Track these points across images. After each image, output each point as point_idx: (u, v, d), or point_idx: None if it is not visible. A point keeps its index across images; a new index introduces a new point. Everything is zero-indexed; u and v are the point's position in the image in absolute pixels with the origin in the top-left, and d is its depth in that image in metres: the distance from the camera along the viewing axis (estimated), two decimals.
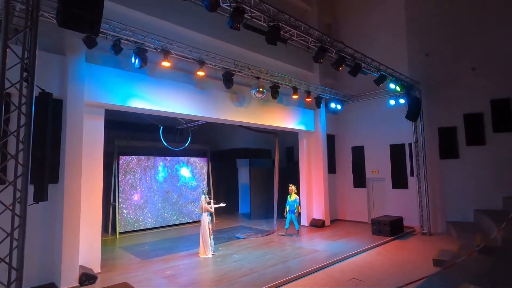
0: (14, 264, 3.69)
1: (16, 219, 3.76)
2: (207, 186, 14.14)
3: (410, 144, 11.86)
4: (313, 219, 12.76)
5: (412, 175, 11.83)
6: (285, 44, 7.34)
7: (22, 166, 3.80)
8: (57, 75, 6.65)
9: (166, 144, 11.96)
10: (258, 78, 9.83)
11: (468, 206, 10.56)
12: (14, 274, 3.67)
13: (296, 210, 10.51)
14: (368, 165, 13.37)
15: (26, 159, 3.79)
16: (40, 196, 4.81)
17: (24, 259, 3.71)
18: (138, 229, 11.94)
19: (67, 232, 6.35)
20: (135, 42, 7.15)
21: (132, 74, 7.83)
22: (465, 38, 10.95)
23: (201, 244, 8.48)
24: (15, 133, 4.00)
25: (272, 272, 6.95)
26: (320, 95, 12.03)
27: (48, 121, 4.85)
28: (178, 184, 13.38)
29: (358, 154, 13.70)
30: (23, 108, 3.96)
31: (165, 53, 7.59)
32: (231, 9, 5.89)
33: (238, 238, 10.58)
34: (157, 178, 12.74)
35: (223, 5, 5.87)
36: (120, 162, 11.77)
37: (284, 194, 11.05)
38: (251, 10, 6.16)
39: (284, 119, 11.83)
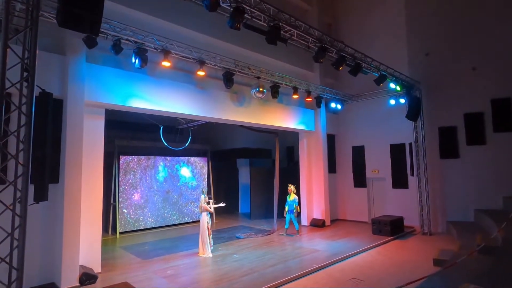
0: (14, 264, 3.69)
1: (17, 219, 3.76)
2: (207, 186, 14.16)
3: (410, 144, 11.86)
4: (314, 219, 12.76)
5: (412, 174, 11.83)
6: (285, 44, 7.33)
7: (23, 166, 3.80)
8: (57, 75, 6.65)
9: (166, 144, 11.96)
10: (258, 78, 9.83)
11: (469, 206, 10.56)
12: (14, 273, 3.67)
13: (295, 210, 10.52)
14: (368, 165, 13.37)
15: (27, 159, 3.80)
16: (41, 196, 4.81)
17: (25, 259, 3.72)
18: (139, 229, 11.95)
19: (67, 232, 6.35)
20: (135, 42, 7.15)
21: (132, 74, 7.83)
22: (465, 37, 10.94)
23: (200, 244, 8.51)
24: (16, 133, 4.00)
25: (273, 272, 6.95)
26: (321, 95, 12.03)
27: (48, 121, 4.85)
28: (178, 184, 13.38)
29: (358, 153, 13.70)
30: (24, 108, 3.96)
31: (165, 53, 7.59)
32: (231, 9, 5.89)
33: (238, 237, 10.58)
34: (157, 178, 12.75)
35: (223, 5, 5.87)
36: (120, 162, 11.77)
37: (284, 194, 11.05)
38: (251, 9, 6.16)
39: (284, 119, 11.83)
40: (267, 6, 6.36)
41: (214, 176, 14.80)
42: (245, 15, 6.04)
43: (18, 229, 3.73)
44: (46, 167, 4.81)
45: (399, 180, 12.36)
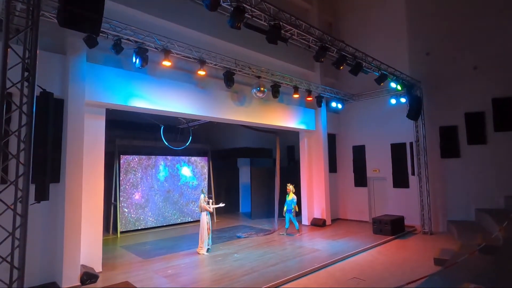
0: (15, 263, 3.70)
1: (18, 219, 3.77)
2: (208, 185, 14.18)
3: (411, 143, 11.85)
4: (314, 218, 12.76)
5: (413, 174, 11.82)
6: (286, 43, 7.33)
7: (24, 165, 3.81)
8: (58, 74, 6.66)
9: (167, 144, 11.97)
10: (259, 77, 9.83)
11: (469, 205, 10.55)
12: (15, 273, 3.68)
13: (293, 210, 10.53)
14: (369, 164, 13.36)
15: (28, 159, 3.80)
16: (42, 195, 4.83)
17: (26, 258, 3.73)
18: (139, 228, 11.97)
19: (68, 232, 6.36)
20: (136, 42, 7.15)
21: (133, 73, 7.83)
22: (466, 36, 10.92)
23: (199, 242, 8.61)
24: (17, 133, 4.01)
25: (273, 271, 6.96)
26: (321, 94, 12.02)
27: (49, 121, 4.87)
28: (179, 184, 13.39)
29: (359, 153, 13.69)
30: (24, 108, 3.98)
31: (166, 52, 7.59)
32: (232, 8, 5.89)
33: (239, 237, 10.59)
34: (158, 177, 12.76)
35: (224, 4, 5.87)
36: (121, 161, 11.79)
37: (285, 193, 11.05)
38: (252, 9, 6.15)
39: (285, 118, 11.83)
40: (267, 6, 6.36)
41: (214, 175, 14.81)
42: (245, 15, 6.04)
43: (19, 228, 3.74)
44: (47, 167, 4.82)
45: (400, 180, 12.35)
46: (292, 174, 13.57)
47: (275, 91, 10.23)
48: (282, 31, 6.81)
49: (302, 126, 12.55)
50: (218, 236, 10.65)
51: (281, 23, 6.62)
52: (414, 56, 11.93)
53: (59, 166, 6.48)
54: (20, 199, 3.78)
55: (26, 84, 4.04)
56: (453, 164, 11.05)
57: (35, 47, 4.00)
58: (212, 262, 7.86)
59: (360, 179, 13.61)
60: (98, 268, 7.09)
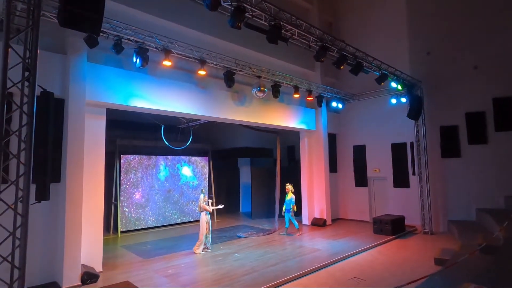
0: (16, 263, 3.70)
1: (18, 218, 3.78)
2: (208, 185, 14.19)
3: (411, 143, 11.84)
4: (315, 218, 12.76)
5: (413, 174, 11.81)
6: (286, 43, 7.33)
7: (24, 165, 3.81)
8: (58, 74, 6.67)
9: (167, 143, 11.98)
10: (259, 77, 9.83)
11: (470, 205, 10.54)
12: (16, 273, 3.69)
13: (291, 209, 10.53)
14: (369, 164, 13.35)
15: (28, 159, 3.81)
16: (42, 195, 4.83)
17: (26, 258, 3.73)
18: (140, 228, 11.98)
19: (69, 231, 6.37)
20: (136, 42, 7.16)
21: (134, 73, 7.84)
22: (467, 36, 10.91)
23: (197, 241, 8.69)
24: (17, 133, 4.01)
25: (273, 271, 6.96)
26: (322, 94, 12.02)
27: (49, 121, 4.87)
28: (179, 183, 13.40)
29: (359, 153, 13.69)
30: (25, 108, 3.98)
31: (166, 52, 7.59)
32: (232, 8, 5.88)
33: (239, 237, 10.59)
34: (158, 177, 12.77)
35: (224, 4, 5.87)
36: (121, 161, 11.80)
37: (285, 193, 11.05)
38: (252, 9, 6.15)
39: (285, 118, 11.82)
40: (268, 5, 6.35)
41: (215, 175, 14.81)
42: (246, 14, 6.04)
43: (20, 228, 3.75)
44: (47, 167, 4.83)
45: (400, 179, 12.34)
46: (292, 174, 13.57)
47: (276, 91, 10.23)
48: (283, 31, 6.81)
49: (302, 126, 12.55)
50: (218, 235, 10.65)
51: (281, 22, 6.62)
52: (414, 56, 11.92)
53: (59, 166, 6.48)
54: (21, 198, 3.78)
55: (26, 84, 4.05)
56: (454, 164, 11.04)
57: (36, 47, 4.01)
58: (213, 262, 7.86)
59: (361, 179, 13.61)
60: (98, 267, 7.10)
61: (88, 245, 6.89)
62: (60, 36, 6.75)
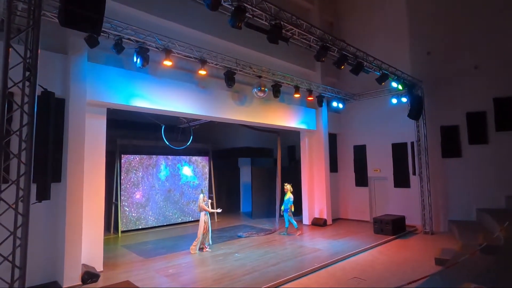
0: (17, 262, 3.71)
1: (19, 218, 3.78)
2: (208, 185, 14.19)
3: (412, 143, 11.83)
4: (315, 218, 12.75)
5: (414, 174, 11.81)
6: (286, 43, 7.32)
7: (25, 165, 3.82)
8: (59, 74, 6.68)
9: (168, 143, 11.98)
10: (259, 77, 9.83)
11: (471, 205, 10.53)
12: (17, 272, 3.69)
13: (289, 209, 10.54)
14: (370, 164, 13.35)
15: (29, 158, 3.81)
16: (43, 195, 4.84)
17: (27, 258, 3.74)
18: (140, 227, 11.99)
19: (69, 231, 6.37)
20: (137, 41, 7.16)
21: (134, 73, 7.84)
22: (467, 36, 10.90)
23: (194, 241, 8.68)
24: (18, 132, 4.02)
25: (274, 271, 6.96)
26: (322, 94, 12.01)
27: (50, 120, 4.87)
28: (180, 183, 13.41)
29: (360, 153, 13.68)
30: (26, 107, 3.99)
31: (167, 52, 7.60)
32: (233, 8, 5.88)
33: (239, 237, 10.59)
34: (159, 176, 12.78)
35: (225, 4, 5.87)
36: (122, 160, 11.81)
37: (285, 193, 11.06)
38: (253, 8, 6.15)
39: (285, 118, 11.82)
40: (268, 5, 6.35)
41: (215, 175, 14.81)
42: (246, 14, 6.04)
43: (20, 228, 3.75)
44: (48, 166, 4.83)
45: (401, 179, 12.34)
46: (293, 173, 13.57)
47: (276, 90, 10.23)
48: (283, 31, 6.81)
49: (303, 126, 12.55)
50: (219, 235, 10.66)
51: (282, 22, 6.61)
52: (415, 55, 11.91)
53: (60, 166, 6.50)
54: (22, 198, 3.79)
55: (27, 83, 4.05)
56: (454, 164, 11.04)
57: (37, 46, 4.01)
58: (213, 262, 7.86)
59: (361, 178, 13.60)
60: (99, 267, 7.10)
61: (88, 245, 6.90)
62: (60, 36, 6.75)
